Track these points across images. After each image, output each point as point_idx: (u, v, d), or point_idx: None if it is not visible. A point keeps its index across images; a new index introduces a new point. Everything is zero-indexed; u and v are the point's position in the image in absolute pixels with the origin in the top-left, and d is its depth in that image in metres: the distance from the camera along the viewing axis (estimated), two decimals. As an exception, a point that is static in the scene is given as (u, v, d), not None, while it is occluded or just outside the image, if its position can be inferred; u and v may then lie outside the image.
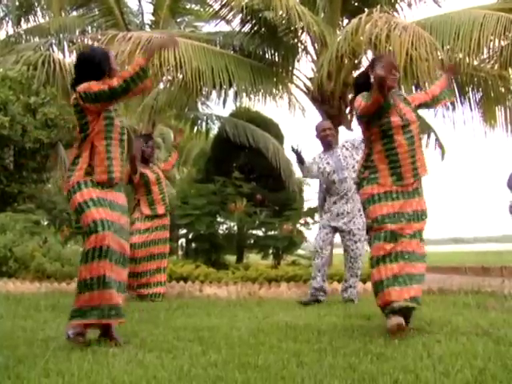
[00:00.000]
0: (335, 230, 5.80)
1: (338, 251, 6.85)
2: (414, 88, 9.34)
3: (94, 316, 3.34)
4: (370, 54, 9.05)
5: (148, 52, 3.56)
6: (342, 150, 5.88)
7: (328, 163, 5.81)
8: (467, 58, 8.03)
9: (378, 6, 8.05)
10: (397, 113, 3.77)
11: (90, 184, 3.45)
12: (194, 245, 9.74)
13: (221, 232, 9.38)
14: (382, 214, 3.69)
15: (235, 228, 9.45)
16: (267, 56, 9.93)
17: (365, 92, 3.84)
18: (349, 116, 9.23)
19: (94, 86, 3.41)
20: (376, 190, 3.74)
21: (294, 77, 9.94)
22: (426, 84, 9.23)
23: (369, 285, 6.76)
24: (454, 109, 9.56)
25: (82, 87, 3.43)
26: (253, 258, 11.65)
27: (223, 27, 10.40)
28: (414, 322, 3.75)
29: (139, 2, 14.06)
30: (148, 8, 15.85)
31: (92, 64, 3.53)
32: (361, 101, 3.79)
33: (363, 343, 3.24)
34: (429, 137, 10.91)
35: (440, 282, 6.95)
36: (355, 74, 3.67)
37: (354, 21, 7.73)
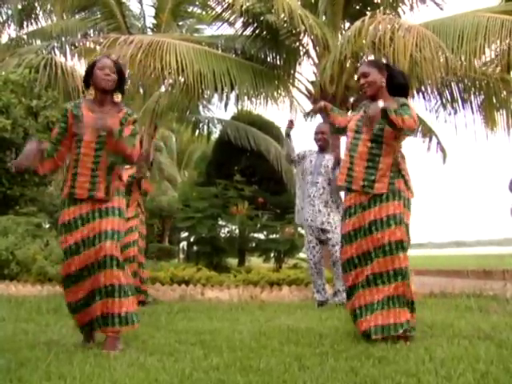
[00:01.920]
0: (320, 241, 5.95)
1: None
2: (415, 92, 9.36)
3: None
4: (372, 57, 9.06)
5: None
6: (329, 159, 6.00)
7: (311, 161, 6.01)
8: (471, 61, 8.02)
9: (381, 8, 8.06)
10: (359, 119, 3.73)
11: (66, 202, 3.47)
12: (195, 248, 9.74)
13: (222, 235, 9.38)
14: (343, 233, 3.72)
15: (237, 231, 9.45)
16: (269, 59, 9.94)
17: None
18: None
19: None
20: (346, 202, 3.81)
21: (296, 80, 9.95)
22: (429, 88, 9.25)
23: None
24: (455, 112, 9.57)
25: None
26: (254, 261, 11.65)
27: (225, 30, 10.41)
28: (415, 325, 3.74)
29: (141, 5, 14.08)
30: (150, 11, 15.94)
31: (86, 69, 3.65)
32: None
33: (365, 347, 3.23)
34: (430, 140, 10.91)
35: (442, 286, 6.93)
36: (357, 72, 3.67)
37: (357, 23, 7.72)
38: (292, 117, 5.99)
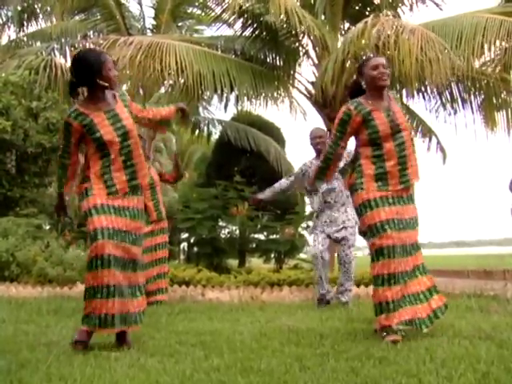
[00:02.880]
0: (329, 236, 5.86)
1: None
2: (415, 92, 9.36)
3: (93, 324, 3.32)
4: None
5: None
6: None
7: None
8: (470, 61, 8.03)
9: (384, 11, 8.07)
10: (388, 119, 3.70)
11: (96, 190, 3.44)
12: (195, 249, 9.74)
13: (223, 236, 9.38)
14: (380, 220, 3.59)
15: (237, 232, 9.46)
16: (268, 60, 9.95)
17: (346, 109, 3.74)
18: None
19: None
20: (372, 194, 3.65)
21: (296, 80, 9.96)
22: (429, 88, 9.26)
23: (371, 289, 6.75)
24: (455, 112, 9.57)
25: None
26: (255, 261, 11.65)
27: (224, 31, 10.43)
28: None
29: (140, 6, 14.11)
30: (149, 12, 15.94)
31: (83, 67, 3.43)
32: (334, 131, 3.82)
33: (366, 347, 3.23)
34: (430, 140, 10.93)
35: (442, 286, 6.91)
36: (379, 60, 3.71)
37: (360, 25, 7.71)
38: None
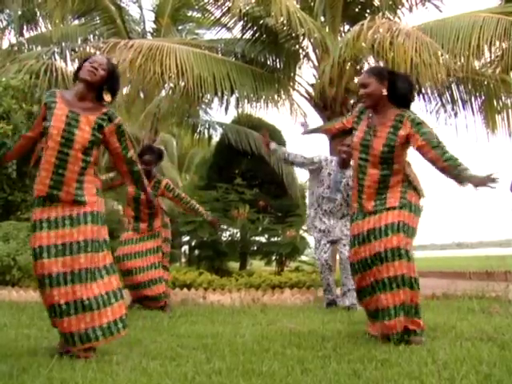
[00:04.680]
0: (329, 241, 5.92)
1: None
2: (415, 94, 9.35)
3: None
4: (371, 60, 9.08)
5: None
6: (350, 176, 5.68)
7: (329, 174, 5.80)
8: (470, 62, 8.04)
9: (380, 14, 8.08)
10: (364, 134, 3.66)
11: (35, 203, 3.31)
12: (197, 252, 9.73)
13: (224, 239, 9.36)
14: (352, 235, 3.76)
15: (238, 235, 9.44)
16: (269, 62, 9.96)
17: (355, 110, 3.85)
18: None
19: None
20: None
21: (296, 83, 9.97)
22: (429, 90, 9.27)
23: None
24: (455, 114, 9.57)
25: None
26: (256, 264, 11.64)
27: (224, 34, 10.44)
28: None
29: (141, 10, 14.10)
30: (149, 16, 15.93)
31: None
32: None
33: (367, 349, 3.22)
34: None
35: (444, 287, 6.92)
36: (356, 80, 3.69)
37: (356, 27, 7.75)
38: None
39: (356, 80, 3.79)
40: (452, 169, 3.39)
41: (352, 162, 3.91)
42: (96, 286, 3.25)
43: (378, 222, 3.56)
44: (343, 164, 5.77)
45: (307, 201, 6.19)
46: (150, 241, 5.95)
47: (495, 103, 9.21)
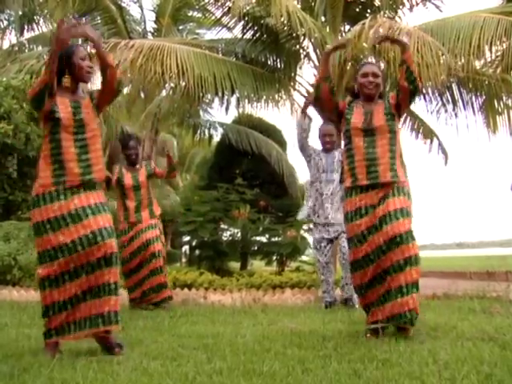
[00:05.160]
0: (330, 240, 5.93)
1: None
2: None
3: (72, 331, 3.30)
4: (372, 60, 9.06)
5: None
6: (341, 154, 5.86)
7: (321, 159, 5.95)
8: (470, 62, 8.04)
9: (381, 13, 8.08)
10: (363, 117, 3.84)
11: (48, 197, 3.30)
12: (197, 252, 9.73)
13: (224, 239, 9.36)
14: (350, 236, 3.85)
15: (239, 234, 9.44)
16: (269, 62, 9.96)
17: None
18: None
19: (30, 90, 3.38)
20: (349, 207, 3.84)
21: (297, 83, 9.97)
22: (430, 90, 9.27)
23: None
24: (456, 114, 9.57)
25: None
26: (257, 264, 11.64)
27: (225, 34, 10.45)
28: (419, 327, 3.73)
29: (141, 10, 14.12)
30: (150, 16, 15.92)
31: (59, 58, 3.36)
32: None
33: (368, 349, 3.22)
34: (432, 142, 10.91)
35: (445, 287, 6.92)
36: (367, 67, 3.77)
37: (357, 27, 7.74)
38: (296, 117, 5.91)
39: (365, 69, 3.88)
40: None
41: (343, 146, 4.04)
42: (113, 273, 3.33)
43: (386, 208, 3.70)
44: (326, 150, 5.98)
45: (308, 193, 6.22)
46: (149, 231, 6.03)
47: (496, 103, 9.20)
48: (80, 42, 12.87)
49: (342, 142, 4.04)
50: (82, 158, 3.34)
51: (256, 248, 9.64)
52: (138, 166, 6.17)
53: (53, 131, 3.35)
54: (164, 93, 10.99)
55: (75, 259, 3.26)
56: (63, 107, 3.34)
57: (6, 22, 15.22)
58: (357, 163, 3.79)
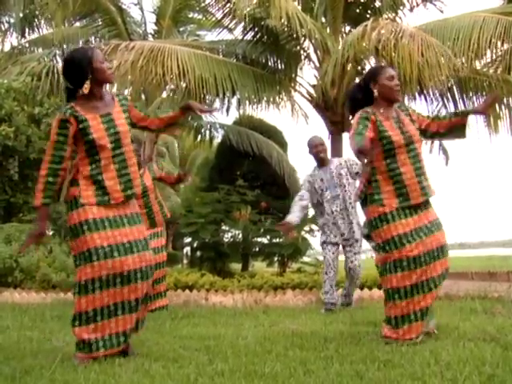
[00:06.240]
0: (338, 244, 5.85)
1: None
2: (416, 94, 9.36)
3: (101, 348, 3.17)
4: (373, 61, 9.08)
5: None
6: (338, 167, 5.77)
7: (321, 180, 5.77)
8: (468, 61, 8.05)
9: (383, 16, 8.09)
10: (399, 130, 3.58)
11: (85, 198, 3.22)
12: (198, 253, 9.74)
13: (226, 240, 9.37)
14: (398, 233, 3.52)
15: (240, 236, 9.44)
16: (270, 64, 9.96)
17: (363, 112, 3.59)
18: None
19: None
20: (388, 208, 3.54)
21: (297, 84, 9.97)
22: (431, 90, 9.26)
23: (375, 292, 6.75)
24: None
25: None
26: (258, 265, 11.64)
27: (226, 36, 10.45)
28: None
29: (142, 11, 14.12)
30: (151, 17, 15.95)
31: (72, 67, 3.27)
32: (354, 129, 3.52)
33: (370, 350, 3.22)
34: (432, 142, 10.90)
35: (446, 288, 6.89)
36: (390, 70, 3.61)
37: (360, 28, 7.74)
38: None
39: (390, 72, 3.63)
40: (453, 118, 3.70)
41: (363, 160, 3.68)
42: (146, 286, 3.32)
43: (426, 217, 3.61)
44: (321, 162, 5.81)
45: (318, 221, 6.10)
46: (153, 240, 5.96)
47: (497, 103, 9.19)
48: (80, 44, 12.96)
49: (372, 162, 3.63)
50: (121, 173, 3.28)
51: (257, 249, 9.64)
52: (141, 171, 6.11)
53: (90, 151, 3.26)
54: (165, 94, 10.99)
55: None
56: (95, 124, 3.25)
57: (7, 25, 15.24)
58: (407, 181, 3.52)
